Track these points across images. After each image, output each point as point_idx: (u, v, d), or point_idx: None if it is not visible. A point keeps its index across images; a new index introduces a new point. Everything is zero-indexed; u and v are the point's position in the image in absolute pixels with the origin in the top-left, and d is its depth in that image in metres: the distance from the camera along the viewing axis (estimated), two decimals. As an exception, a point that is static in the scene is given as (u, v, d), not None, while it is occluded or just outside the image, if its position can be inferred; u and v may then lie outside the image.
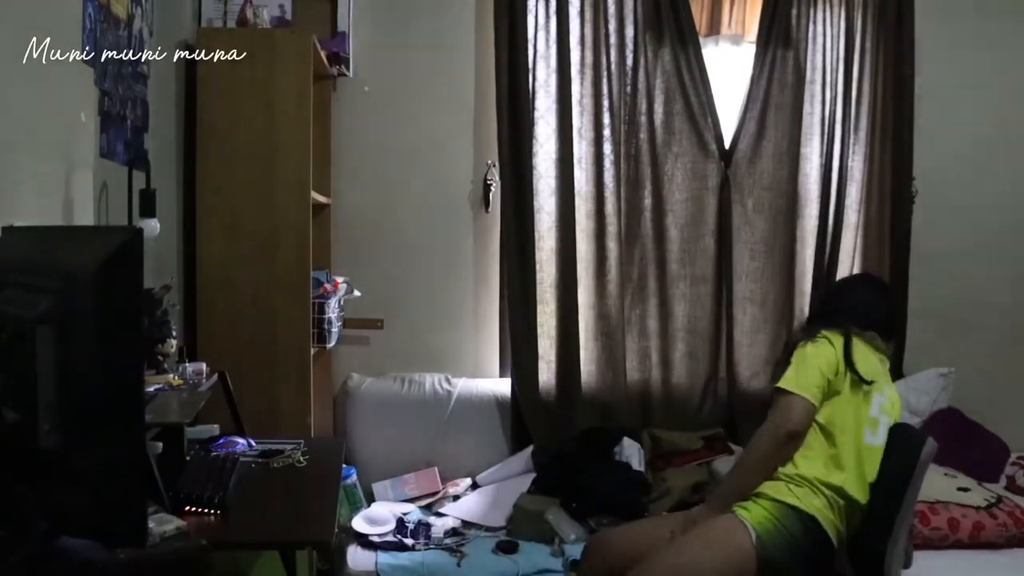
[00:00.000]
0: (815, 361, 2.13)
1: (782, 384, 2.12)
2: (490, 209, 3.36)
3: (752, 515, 2.02)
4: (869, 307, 2.34)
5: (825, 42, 3.34)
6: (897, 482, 2.04)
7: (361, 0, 3.26)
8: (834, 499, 2.06)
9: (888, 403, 2.18)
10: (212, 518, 1.90)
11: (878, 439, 2.12)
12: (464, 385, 3.30)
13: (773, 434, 2.10)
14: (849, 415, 2.11)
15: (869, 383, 2.14)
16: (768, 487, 2.08)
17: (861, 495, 2.08)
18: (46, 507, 1.30)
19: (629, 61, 3.26)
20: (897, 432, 2.14)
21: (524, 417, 3.22)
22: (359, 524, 2.80)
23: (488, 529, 2.87)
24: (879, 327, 2.30)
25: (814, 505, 2.03)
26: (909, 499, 2.04)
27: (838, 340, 2.17)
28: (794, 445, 2.10)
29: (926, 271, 3.47)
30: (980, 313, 3.54)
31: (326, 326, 2.94)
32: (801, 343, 2.20)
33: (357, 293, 3.22)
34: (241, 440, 2.46)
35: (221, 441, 2.44)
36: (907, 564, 2.18)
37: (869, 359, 2.19)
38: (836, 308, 2.36)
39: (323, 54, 3.05)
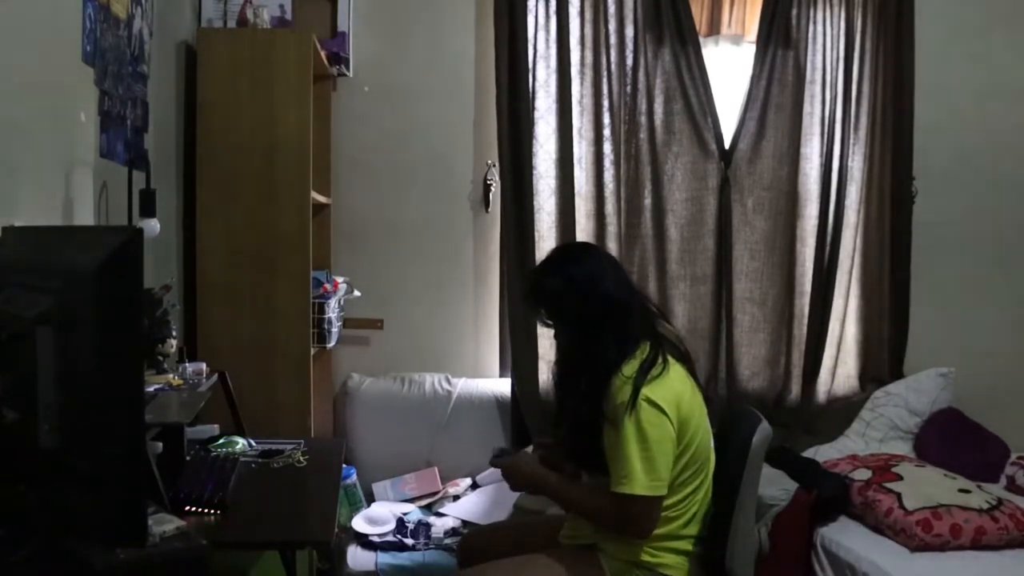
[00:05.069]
0: (659, 447, 1.80)
1: (637, 490, 1.79)
2: (490, 209, 3.36)
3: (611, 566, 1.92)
4: (618, 282, 1.94)
5: (825, 42, 3.34)
6: (734, 472, 1.92)
7: (361, 0, 3.26)
8: (693, 549, 1.93)
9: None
10: (212, 518, 1.90)
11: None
12: (464, 385, 3.30)
13: (624, 533, 1.89)
14: (700, 446, 1.90)
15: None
16: (621, 549, 1.92)
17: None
18: (46, 507, 1.30)
19: (629, 61, 3.26)
20: (734, 417, 2.04)
21: (524, 417, 3.21)
22: (359, 524, 2.81)
23: (488, 529, 2.87)
24: (632, 300, 1.94)
25: (669, 564, 1.91)
26: (747, 489, 1.92)
27: (669, 404, 1.82)
28: None
29: (926, 271, 3.48)
30: (980, 313, 3.54)
31: (326, 326, 2.94)
32: (628, 415, 1.79)
33: (357, 293, 3.22)
34: (241, 440, 2.46)
35: (221, 441, 2.44)
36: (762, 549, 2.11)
37: (680, 376, 1.91)
38: (619, 331, 1.90)
39: (323, 54, 3.05)
